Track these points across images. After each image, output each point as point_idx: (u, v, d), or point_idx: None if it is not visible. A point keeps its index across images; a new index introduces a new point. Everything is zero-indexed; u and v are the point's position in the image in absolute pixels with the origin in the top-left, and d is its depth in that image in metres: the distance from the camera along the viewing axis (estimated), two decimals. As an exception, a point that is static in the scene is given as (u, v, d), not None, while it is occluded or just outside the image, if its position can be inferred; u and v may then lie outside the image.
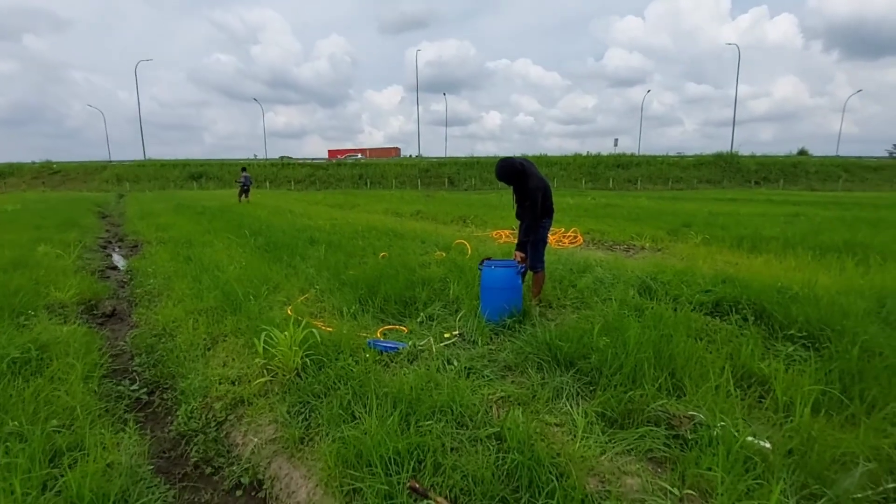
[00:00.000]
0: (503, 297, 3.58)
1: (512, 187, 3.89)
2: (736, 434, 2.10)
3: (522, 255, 3.92)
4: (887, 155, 52.45)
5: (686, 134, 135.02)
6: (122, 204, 22.19)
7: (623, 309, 3.52)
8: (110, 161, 51.52)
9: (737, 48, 53.85)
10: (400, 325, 3.95)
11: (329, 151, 67.32)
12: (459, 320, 3.84)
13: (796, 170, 45.63)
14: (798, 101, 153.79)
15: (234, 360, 3.08)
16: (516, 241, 4.11)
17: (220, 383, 2.79)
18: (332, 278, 5.04)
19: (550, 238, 8.24)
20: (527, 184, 3.77)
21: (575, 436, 2.25)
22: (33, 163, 49.04)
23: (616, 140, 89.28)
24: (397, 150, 72.23)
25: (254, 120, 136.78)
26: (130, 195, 31.31)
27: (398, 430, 2.12)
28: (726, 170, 46.84)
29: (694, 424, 2.31)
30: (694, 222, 9.56)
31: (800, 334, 3.23)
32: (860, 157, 49.04)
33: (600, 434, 2.26)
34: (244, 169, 18.91)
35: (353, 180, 46.80)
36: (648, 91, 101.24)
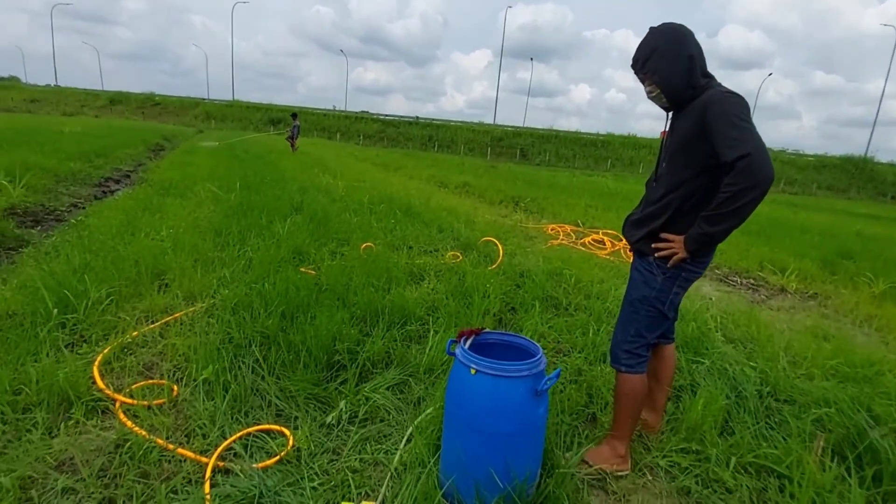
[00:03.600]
0: (491, 449, 1.38)
1: (667, 100, 1.67)
2: None
3: (672, 240, 1.61)
4: None
5: (802, 130, 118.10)
6: (195, 139, 21.91)
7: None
8: (204, 99, 53.57)
9: (894, 31, 43.33)
10: (285, 425, 1.92)
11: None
12: (403, 452, 1.73)
13: (951, 188, 37.08)
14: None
15: None
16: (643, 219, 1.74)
17: None
18: (252, 283, 3.09)
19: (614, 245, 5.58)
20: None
21: None
22: (140, 94, 52.31)
23: (719, 128, 78.41)
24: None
25: (347, 74, 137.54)
26: (208, 132, 31.64)
27: None
28: (856, 177, 39.15)
29: None
30: (852, 250, 6.49)
31: None
32: None
33: None
34: (295, 115, 17.44)
35: (422, 141, 44.81)
36: (770, 74, 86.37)
